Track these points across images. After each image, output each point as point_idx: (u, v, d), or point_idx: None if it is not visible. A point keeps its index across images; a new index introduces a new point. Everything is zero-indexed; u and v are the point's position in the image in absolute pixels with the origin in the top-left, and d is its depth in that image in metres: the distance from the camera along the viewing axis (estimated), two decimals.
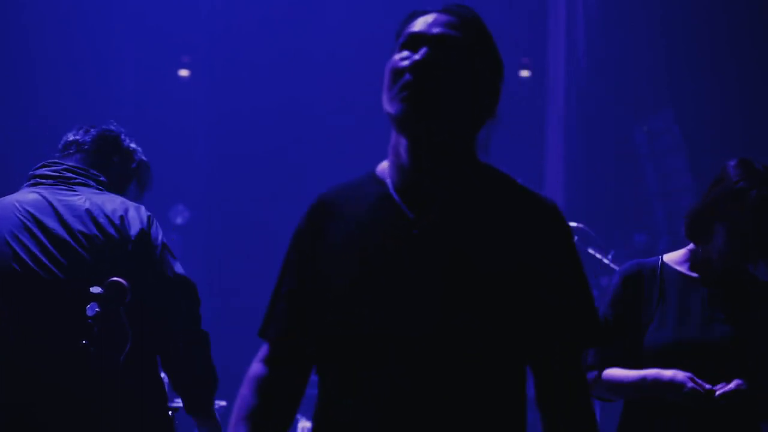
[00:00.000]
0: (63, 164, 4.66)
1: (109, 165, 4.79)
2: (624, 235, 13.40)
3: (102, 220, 4.33)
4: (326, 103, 14.01)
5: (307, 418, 9.95)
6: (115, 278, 3.50)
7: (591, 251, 7.60)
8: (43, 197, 4.42)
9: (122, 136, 4.99)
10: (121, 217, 4.37)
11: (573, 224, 7.84)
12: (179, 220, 13.53)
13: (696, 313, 4.31)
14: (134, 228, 4.35)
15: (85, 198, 4.44)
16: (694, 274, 4.55)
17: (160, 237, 4.45)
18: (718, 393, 3.99)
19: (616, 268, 7.53)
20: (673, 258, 4.82)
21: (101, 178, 4.68)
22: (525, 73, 14.34)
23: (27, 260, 4.18)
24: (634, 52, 13.66)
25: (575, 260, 3.02)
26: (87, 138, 4.83)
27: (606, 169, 14.68)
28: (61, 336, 4.01)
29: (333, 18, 13.76)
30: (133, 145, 4.96)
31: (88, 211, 4.35)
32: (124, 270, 3.96)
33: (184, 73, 13.93)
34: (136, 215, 4.42)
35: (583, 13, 13.40)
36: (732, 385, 4.02)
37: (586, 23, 13.41)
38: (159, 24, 12.97)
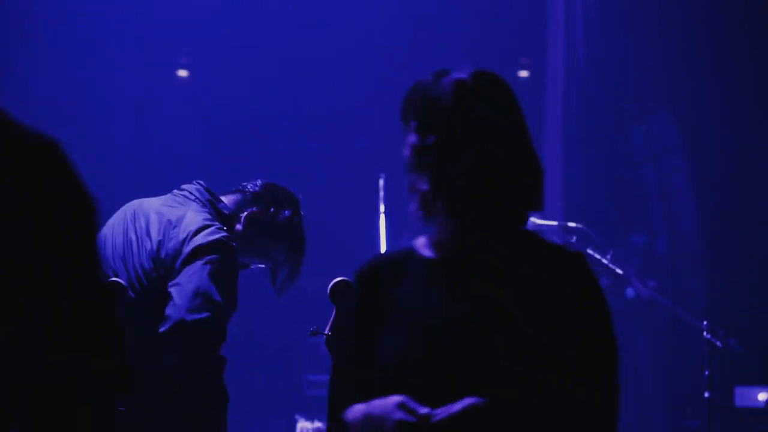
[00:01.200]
0: (204, 187, 4.58)
1: (255, 207, 4.68)
2: (622, 235, 13.40)
3: (160, 227, 4.31)
4: (328, 103, 14.02)
5: (307, 419, 9.94)
6: (113, 279, 3.51)
7: (590, 251, 7.60)
8: (153, 203, 4.45)
9: (291, 198, 4.84)
10: (175, 228, 4.30)
11: (572, 224, 7.85)
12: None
13: (429, 307, 3.20)
14: (174, 242, 4.27)
15: (180, 211, 4.38)
16: (433, 255, 3.39)
17: (194, 267, 4.30)
18: (434, 419, 2.96)
19: (616, 268, 7.53)
20: (422, 241, 3.53)
21: (224, 210, 4.58)
22: (524, 74, 14.35)
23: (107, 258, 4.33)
24: (633, 53, 13.66)
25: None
26: (257, 187, 4.76)
27: (604, 169, 14.68)
28: None
29: (335, 18, 13.76)
30: (287, 210, 4.77)
31: (168, 221, 4.33)
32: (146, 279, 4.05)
33: (182, 73, 13.94)
34: (186, 232, 4.33)
35: (582, 13, 13.40)
36: (457, 406, 2.97)
37: (585, 23, 13.40)
38: (157, 24, 12.97)
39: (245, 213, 4.46)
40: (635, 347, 13.74)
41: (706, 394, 6.29)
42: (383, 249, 9.20)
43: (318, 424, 9.68)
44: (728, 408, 10.98)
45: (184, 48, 13.86)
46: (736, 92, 13.47)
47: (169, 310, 4.13)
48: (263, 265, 4.66)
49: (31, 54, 12.27)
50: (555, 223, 8.98)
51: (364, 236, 10.57)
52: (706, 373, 6.31)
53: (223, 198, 4.54)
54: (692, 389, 11.64)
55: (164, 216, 4.37)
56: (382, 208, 9.31)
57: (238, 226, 4.47)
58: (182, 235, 4.24)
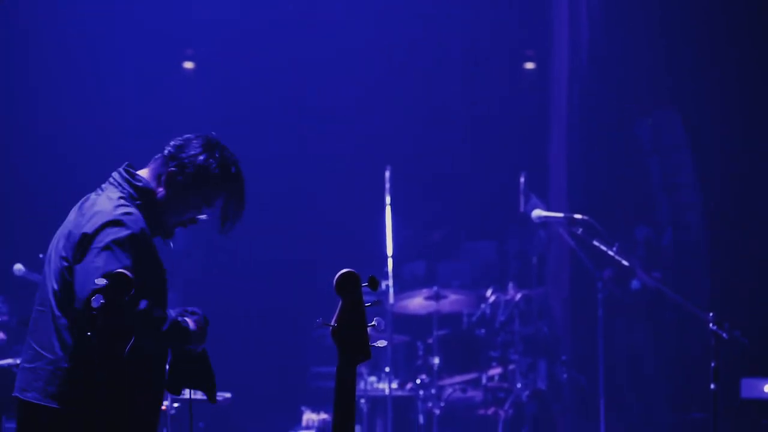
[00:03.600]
0: (124, 167, 4.62)
1: (170, 167, 4.61)
2: (627, 227, 13.40)
3: (77, 217, 4.41)
4: (334, 96, 14.02)
5: (312, 410, 9.96)
6: (119, 270, 3.50)
7: (596, 243, 7.60)
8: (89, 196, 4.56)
9: (204, 143, 4.69)
10: (89, 217, 4.38)
11: (577, 216, 7.85)
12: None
13: None
14: (86, 229, 4.35)
15: (92, 201, 4.48)
16: None
17: (102, 243, 4.29)
18: None
19: (621, 260, 7.52)
20: None
21: (138, 183, 4.57)
22: (530, 65, 14.34)
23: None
24: (636, 49, 13.65)
25: None
26: (169, 148, 4.68)
27: (610, 162, 14.68)
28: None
29: (341, 12, 13.75)
30: (201, 156, 4.61)
31: (80, 212, 4.44)
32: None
33: (188, 65, 13.94)
34: (98, 218, 4.38)
35: (586, 6, 13.39)
36: None
37: (589, 17, 13.40)
38: (163, 17, 12.97)
39: (163, 176, 4.47)
40: (641, 339, 13.74)
41: (713, 386, 6.28)
42: (389, 240, 9.22)
43: (324, 416, 9.70)
44: (734, 399, 10.98)
45: (189, 40, 13.87)
46: (738, 88, 13.46)
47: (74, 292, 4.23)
48: (205, 216, 4.65)
49: (39, 51, 12.29)
50: (561, 215, 8.98)
51: (370, 228, 10.57)
52: (712, 364, 6.29)
53: (142, 172, 4.56)
54: (698, 381, 11.66)
55: (80, 208, 4.48)
56: (387, 199, 9.32)
57: (161, 190, 4.48)
58: (84, 223, 4.34)
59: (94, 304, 3.43)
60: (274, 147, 13.88)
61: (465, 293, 10.26)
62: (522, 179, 10.38)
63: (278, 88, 13.82)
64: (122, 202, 4.46)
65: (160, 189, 4.56)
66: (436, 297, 9.61)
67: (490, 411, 9.49)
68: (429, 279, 12.38)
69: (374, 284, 3.49)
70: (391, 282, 9.21)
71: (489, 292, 10.00)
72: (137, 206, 4.49)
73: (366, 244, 11.63)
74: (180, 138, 4.68)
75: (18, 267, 8.61)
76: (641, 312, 13.56)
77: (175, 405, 7.92)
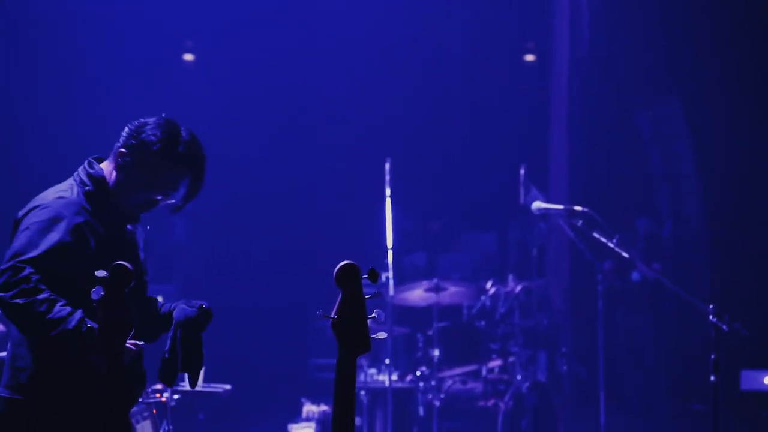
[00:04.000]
0: (89, 160, 4.60)
1: (125, 153, 4.49)
2: (628, 219, 13.41)
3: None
4: (334, 88, 14.02)
5: (312, 402, 9.97)
6: (119, 262, 3.51)
7: (596, 235, 7.59)
8: None
9: (157, 126, 4.53)
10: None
11: (577, 208, 7.85)
12: (176, 212, 13.54)
13: None
14: (18, 214, 4.38)
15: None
16: None
17: (23, 225, 4.28)
18: None
19: (622, 251, 7.53)
20: None
21: (91, 170, 4.52)
22: (530, 58, 14.34)
23: None
24: (638, 40, 13.66)
25: None
26: (123, 136, 4.56)
27: (610, 154, 14.69)
28: None
29: (338, 6, 13.75)
30: (147, 137, 4.46)
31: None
32: None
33: (188, 57, 13.94)
34: (31, 203, 4.38)
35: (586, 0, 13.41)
36: None
37: (590, 8, 13.40)
38: (163, 9, 12.96)
39: (116, 160, 4.43)
40: (641, 331, 13.75)
41: (712, 378, 6.28)
42: (389, 232, 9.22)
43: (324, 408, 9.70)
44: (734, 391, 10.99)
45: (189, 33, 13.87)
46: (739, 80, 13.47)
47: None
48: (170, 199, 4.54)
49: (37, 45, 12.28)
50: (561, 207, 8.98)
51: (370, 220, 10.57)
52: (712, 356, 6.30)
53: (104, 162, 4.51)
54: (698, 373, 11.67)
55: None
56: (387, 191, 9.32)
57: (113, 174, 4.43)
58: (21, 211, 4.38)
59: (94, 296, 3.44)
60: (274, 139, 13.89)
61: (465, 285, 10.27)
62: (522, 171, 10.38)
63: (278, 80, 13.82)
64: (63, 188, 4.43)
65: (113, 174, 4.49)
66: (436, 289, 9.62)
67: (490, 403, 9.49)
68: (430, 270, 12.39)
69: (374, 276, 3.49)
70: (391, 274, 9.21)
71: (489, 284, 10.00)
72: (86, 192, 4.42)
73: (366, 236, 11.64)
74: (136, 121, 4.57)
75: None
76: (641, 304, 13.58)
77: (176, 397, 7.93)
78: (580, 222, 7.80)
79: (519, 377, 9.61)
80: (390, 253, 9.20)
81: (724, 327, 6.36)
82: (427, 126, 14.46)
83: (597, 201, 10.42)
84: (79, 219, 4.32)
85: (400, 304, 10.12)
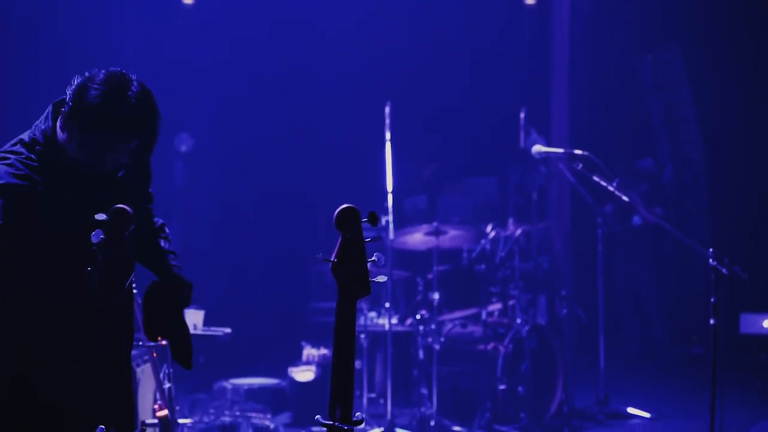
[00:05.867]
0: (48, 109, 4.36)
1: (66, 110, 4.16)
2: (628, 163, 13.41)
3: None
4: (331, 31, 13.97)
5: (312, 345, 9.99)
6: (119, 205, 3.49)
7: (596, 179, 7.58)
8: None
9: (98, 80, 4.12)
10: None
11: (578, 152, 7.83)
12: (183, 148, 13.55)
13: None
14: None
15: None
16: None
17: None
18: None
19: (622, 195, 7.51)
20: None
21: (43, 125, 4.25)
22: (530, 1, 14.26)
23: None
24: None
25: None
26: (66, 93, 4.20)
27: (611, 98, 14.68)
28: None
29: None
30: (98, 93, 4.06)
31: None
32: None
33: (188, 0, 13.86)
34: None
35: None
36: None
37: None
38: None
39: (62, 117, 4.17)
40: (641, 275, 13.79)
41: (712, 321, 6.29)
42: (389, 176, 9.20)
43: (324, 351, 9.73)
44: (733, 335, 11.04)
45: None
46: (737, 23, 13.44)
47: None
48: (124, 156, 4.27)
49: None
50: (561, 150, 8.96)
51: (370, 164, 10.56)
52: (712, 300, 6.30)
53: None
54: (698, 316, 11.73)
55: None
56: (387, 135, 9.30)
57: (63, 132, 4.18)
58: None
59: (93, 239, 3.42)
60: (274, 83, 13.84)
61: (465, 229, 10.26)
62: (522, 115, 10.35)
63: (278, 24, 13.76)
64: (6, 149, 4.18)
65: (63, 132, 4.13)
66: (436, 233, 9.62)
67: (490, 346, 9.52)
68: (431, 213, 12.39)
69: (374, 220, 3.48)
70: (391, 218, 9.20)
71: (489, 228, 10.00)
72: (38, 153, 4.15)
73: (366, 180, 11.63)
74: (81, 77, 4.14)
75: None
76: (641, 248, 13.60)
77: None
78: (581, 166, 7.77)
79: (519, 321, 9.63)
80: (390, 197, 9.19)
81: (724, 270, 6.36)
82: (428, 70, 14.41)
83: (597, 145, 10.42)
84: (22, 183, 4.07)
85: (400, 247, 10.13)
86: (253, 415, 9.43)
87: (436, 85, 14.40)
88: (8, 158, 4.11)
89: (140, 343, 6.39)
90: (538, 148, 8.62)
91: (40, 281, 4.03)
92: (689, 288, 14.16)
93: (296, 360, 9.96)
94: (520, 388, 9.41)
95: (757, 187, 13.71)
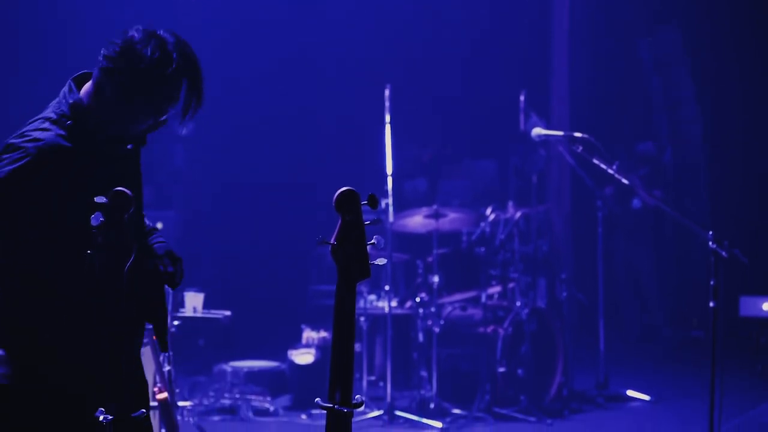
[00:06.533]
0: (70, 81, 4.15)
1: (103, 77, 4.02)
2: (628, 145, 13.40)
3: None
4: (331, 14, 13.95)
5: (312, 328, 9.99)
6: (119, 188, 3.48)
7: (596, 161, 7.57)
8: None
9: (122, 43, 3.99)
10: None
11: (577, 134, 7.82)
12: (183, 131, 13.52)
13: None
14: None
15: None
16: None
17: None
18: None
19: (621, 178, 7.51)
20: None
21: (71, 99, 4.07)
22: None
23: None
24: None
25: None
26: (101, 60, 4.04)
27: (610, 80, 14.66)
28: None
29: None
30: (128, 58, 3.95)
31: None
32: None
33: None
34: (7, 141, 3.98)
35: None
36: None
37: None
38: None
39: (104, 86, 4.04)
40: (641, 257, 13.79)
41: (712, 304, 6.29)
42: (389, 159, 9.19)
43: (323, 334, 9.74)
44: (733, 317, 11.05)
45: None
46: (739, 5, 13.42)
47: None
48: (164, 118, 4.18)
49: None
50: (561, 133, 8.95)
51: (370, 146, 10.55)
52: (712, 283, 6.30)
53: (88, 84, 4.16)
54: (698, 299, 11.73)
55: None
56: (387, 118, 9.28)
57: (104, 102, 4.05)
58: None
59: (93, 222, 3.42)
60: (274, 66, 13.82)
61: (465, 212, 10.26)
62: (522, 97, 10.34)
63: (278, 7, 13.74)
64: (40, 125, 4.02)
65: (104, 102, 4.00)
66: (436, 215, 9.61)
67: (490, 329, 9.53)
68: (431, 196, 12.39)
69: (374, 202, 3.47)
70: (390, 200, 9.20)
71: (489, 211, 9.99)
72: (68, 127, 3.99)
73: (366, 163, 11.63)
74: (118, 38, 4.01)
75: None
76: (641, 230, 13.60)
77: (176, 323, 7.96)
78: (580, 148, 7.77)
79: (518, 303, 9.63)
80: (390, 180, 9.18)
81: (724, 253, 6.36)
82: (428, 52, 14.39)
83: (597, 127, 10.40)
84: (56, 163, 3.94)
85: (399, 230, 10.13)
86: (253, 397, 9.45)
87: (435, 68, 14.38)
88: (41, 137, 3.97)
89: None
90: (537, 131, 8.61)
91: (68, 261, 3.95)
92: (689, 271, 14.16)
93: (296, 343, 9.96)
94: (519, 371, 9.42)
95: (757, 169, 13.71)
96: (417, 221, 9.85)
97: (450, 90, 14.41)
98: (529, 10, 13.99)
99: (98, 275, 3.42)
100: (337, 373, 3.38)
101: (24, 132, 4.00)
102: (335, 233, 3.45)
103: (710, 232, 6.39)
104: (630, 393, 10.25)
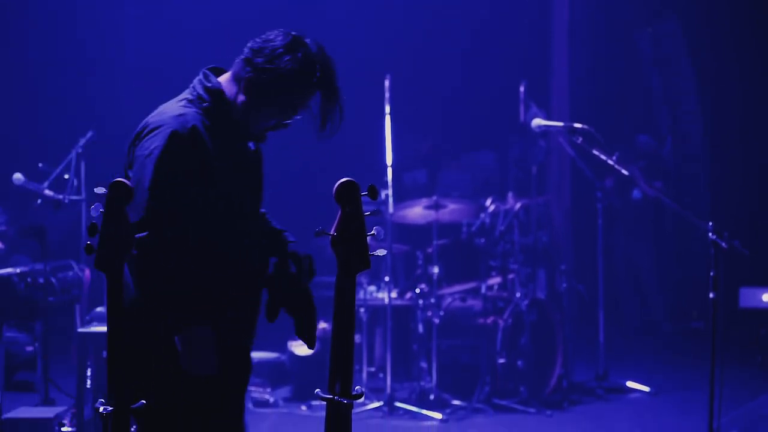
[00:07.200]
0: (205, 70, 4.36)
1: (249, 71, 4.20)
2: (628, 136, 13.40)
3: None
4: (331, 3, 13.93)
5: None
6: (118, 179, 3.49)
7: (596, 153, 7.57)
8: None
9: (270, 44, 4.22)
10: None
11: (577, 125, 7.81)
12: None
13: None
14: (136, 132, 4.18)
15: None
16: None
17: (141, 154, 4.05)
18: None
19: (621, 169, 7.51)
20: None
21: (208, 84, 4.25)
22: None
23: None
24: None
25: None
26: (246, 51, 4.28)
27: (611, 72, 14.65)
28: None
29: None
30: (277, 60, 4.15)
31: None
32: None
33: None
34: (139, 130, 4.15)
35: None
36: None
37: None
38: None
39: (242, 82, 4.15)
40: (641, 249, 13.80)
41: (711, 295, 6.29)
42: (389, 149, 9.19)
43: (323, 325, 9.73)
44: (733, 309, 11.05)
45: None
46: None
47: None
48: (299, 117, 4.29)
49: None
50: (561, 124, 8.94)
51: (370, 137, 10.54)
52: (711, 274, 6.30)
53: (224, 76, 4.24)
54: (697, 290, 11.73)
55: None
56: (387, 108, 9.28)
57: (241, 97, 4.15)
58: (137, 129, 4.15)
59: (93, 213, 3.42)
60: None
61: (464, 203, 10.26)
62: (522, 88, 10.33)
63: None
64: (179, 105, 4.19)
65: (240, 96, 4.19)
66: (436, 206, 9.61)
67: (490, 320, 9.53)
68: (431, 187, 12.38)
69: (374, 193, 3.47)
70: (390, 191, 9.19)
71: (489, 202, 9.98)
72: (204, 108, 4.17)
73: (365, 154, 11.61)
74: (258, 38, 4.27)
75: (17, 176, 8.54)
76: (641, 221, 13.61)
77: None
78: (580, 139, 7.76)
79: (518, 295, 9.63)
80: (389, 171, 9.18)
81: (723, 244, 6.35)
82: (428, 43, 14.38)
83: (597, 118, 10.40)
84: (197, 139, 4.09)
85: (399, 221, 10.13)
86: (253, 389, 9.45)
87: (435, 59, 14.36)
88: (183, 112, 4.13)
89: None
90: (537, 122, 8.61)
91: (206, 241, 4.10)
92: (689, 264, 14.16)
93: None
94: (519, 362, 9.42)
95: (757, 161, 13.71)
96: (417, 212, 9.85)
97: (450, 81, 14.39)
98: (529, 1, 13.98)
99: (97, 263, 3.42)
100: (337, 364, 3.38)
101: (162, 110, 4.18)
102: (335, 224, 3.45)
103: (710, 223, 6.39)
104: (630, 384, 10.25)
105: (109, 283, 3.41)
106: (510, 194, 10.31)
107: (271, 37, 4.23)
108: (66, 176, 8.80)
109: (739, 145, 14.01)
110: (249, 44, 4.24)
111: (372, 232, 3.47)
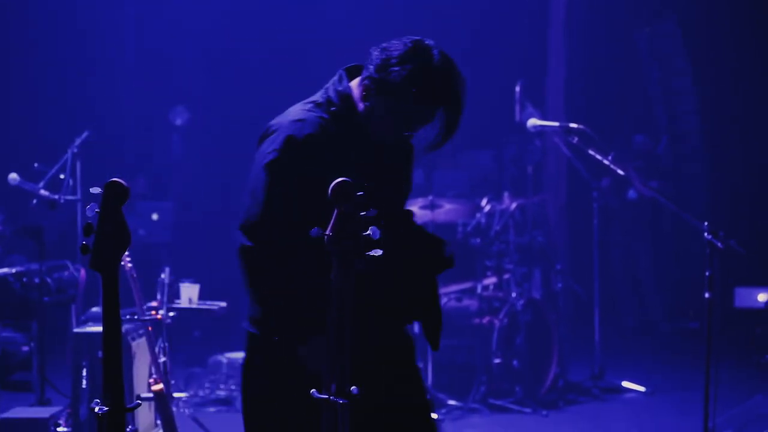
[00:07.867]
0: (341, 71, 4.30)
1: (367, 79, 4.09)
2: (624, 136, 13.40)
3: None
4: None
5: None
6: (114, 179, 3.48)
7: (592, 152, 7.57)
8: None
9: (391, 54, 4.08)
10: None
11: (573, 125, 7.82)
12: (179, 122, 13.50)
13: None
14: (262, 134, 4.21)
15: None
16: None
17: (258, 158, 4.13)
18: None
19: (617, 169, 7.51)
20: None
21: (339, 87, 4.19)
22: None
23: None
24: None
25: None
26: (369, 58, 4.16)
27: (607, 71, 14.64)
28: None
29: None
30: (395, 73, 4.01)
31: None
32: None
33: None
34: (264, 131, 4.19)
35: None
36: None
37: None
38: None
39: (361, 88, 4.06)
40: (637, 249, 13.80)
41: (707, 295, 6.29)
42: None
43: None
44: (728, 309, 11.05)
45: None
46: None
47: None
48: (418, 129, 4.19)
49: None
50: (556, 124, 8.94)
51: None
52: (707, 273, 6.30)
53: (355, 81, 4.17)
54: (693, 290, 11.74)
55: None
56: None
57: (360, 104, 4.08)
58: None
59: (88, 213, 3.42)
60: (269, 54, 13.80)
61: (460, 202, 10.25)
62: (518, 88, 10.33)
63: None
64: (303, 108, 4.18)
65: (359, 103, 4.10)
66: (431, 206, 9.61)
67: (485, 320, 9.53)
68: (426, 186, 12.37)
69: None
70: None
71: (484, 202, 9.98)
72: (332, 113, 4.11)
73: None
74: (383, 45, 4.13)
75: (12, 176, 8.54)
76: (638, 221, 13.61)
77: (171, 314, 7.95)
78: (576, 139, 7.77)
79: (514, 294, 9.63)
80: None
81: (719, 244, 6.36)
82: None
83: (593, 118, 10.41)
84: (319, 144, 4.04)
85: None
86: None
87: None
88: (303, 117, 4.11)
89: (135, 317, 6.40)
90: (533, 122, 8.61)
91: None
92: (687, 264, 14.16)
93: None
94: (515, 362, 9.42)
95: (755, 160, 13.71)
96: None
97: None
98: (527, 1, 13.99)
99: (93, 263, 3.41)
100: (332, 364, 3.38)
101: (286, 112, 4.22)
102: (331, 224, 3.45)
103: (705, 223, 6.39)
104: (625, 384, 10.25)
105: (104, 283, 3.41)
106: (506, 194, 10.31)
107: (393, 46, 4.11)
108: (62, 176, 8.80)
109: (737, 145, 14.02)
110: (374, 50, 4.14)
111: (368, 232, 3.47)
